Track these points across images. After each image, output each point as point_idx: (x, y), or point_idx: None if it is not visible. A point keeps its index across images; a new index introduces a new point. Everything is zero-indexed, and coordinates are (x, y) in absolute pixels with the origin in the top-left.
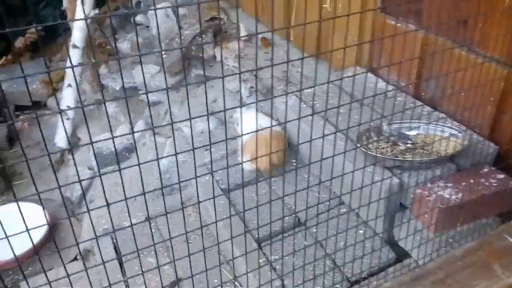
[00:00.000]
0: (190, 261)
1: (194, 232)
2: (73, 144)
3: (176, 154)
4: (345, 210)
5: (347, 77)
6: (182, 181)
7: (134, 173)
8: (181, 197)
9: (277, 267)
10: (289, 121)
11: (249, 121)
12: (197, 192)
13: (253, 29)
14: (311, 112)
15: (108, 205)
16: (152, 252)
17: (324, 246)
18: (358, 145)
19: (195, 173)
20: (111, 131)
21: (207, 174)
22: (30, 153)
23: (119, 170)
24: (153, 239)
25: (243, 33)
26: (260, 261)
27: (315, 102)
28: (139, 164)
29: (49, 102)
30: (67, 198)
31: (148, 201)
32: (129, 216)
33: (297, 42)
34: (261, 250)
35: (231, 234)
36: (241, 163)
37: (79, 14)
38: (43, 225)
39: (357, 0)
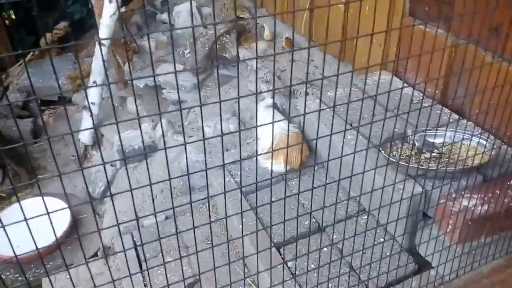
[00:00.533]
0: (214, 261)
1: (214, 233)
2: (96, 140)
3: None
4: (366, 217)
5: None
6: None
7: (155, 170)
8: (208, 195)
9: (293, 268)
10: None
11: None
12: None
13: (278, 29)
14: (333, 117)
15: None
16: (171, 252)
17: (343, 252)
18: (382, 152)
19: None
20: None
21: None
22: (54, 147)
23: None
24: (177, 239)
25: (267, 33)
26: (278, 265)
27: (339, 107)
28: (165, 160)
29: (74, 97)
30: (89, 194)
31: (168, 200)
32: (154, 211)
33: (320, 41)
34: (280, 254)
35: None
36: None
37: (106, 11)
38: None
39: (384, 2)
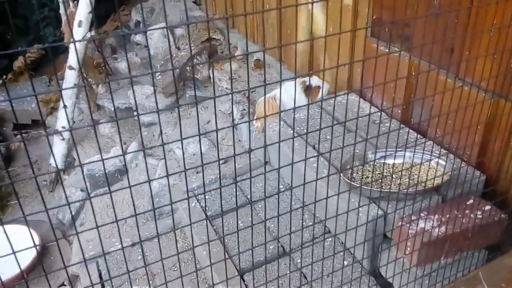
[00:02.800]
0: None
1: (181, 260)
2: (67, 165)
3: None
4: (329, 238)
5: (328, 98)
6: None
7: (126, 194)
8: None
9: None
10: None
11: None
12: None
13: (249, 49)
14: (295, 137)
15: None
16: (137, 280)
17: (306, 275)
18: (341, 175)
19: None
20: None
21: (191, 197)
22: (26, 172)
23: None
24: (146, 269)
25: (239, 53)
26: None
27: (301, 127)
28: (129, 186)
29: (47, 121)
30: (59, 220)
31: (138, 225)
32: (120, 238)
33: (290, 64)
34: (243, 281)
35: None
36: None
37: (75, 35)
38: (30, 247)
39: (347, 24)
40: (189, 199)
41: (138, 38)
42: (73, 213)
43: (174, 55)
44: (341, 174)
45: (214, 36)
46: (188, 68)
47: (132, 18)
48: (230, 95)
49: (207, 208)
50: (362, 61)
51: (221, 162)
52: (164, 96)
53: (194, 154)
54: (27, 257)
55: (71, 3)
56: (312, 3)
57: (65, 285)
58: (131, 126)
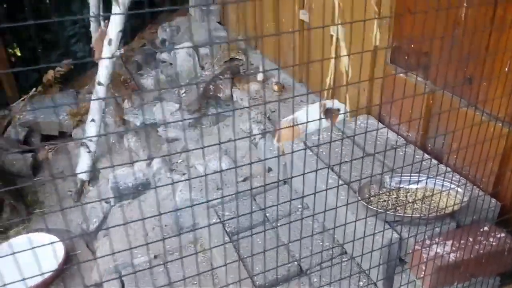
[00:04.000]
0: None
1: (198, 273)
2: (92, 176)
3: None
4: (346, 260)
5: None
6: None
7: (148, 207)
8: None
9: None
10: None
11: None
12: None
13: (271, 71)
14: (315, 159)
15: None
16: None
17: None
18: (359, 198)
19: None
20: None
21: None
22: (52, 182)
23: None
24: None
25: (261, 75)
26: None
27: (321, 150)
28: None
29: (74, 133)
30: (84, 230)
31: (159, 238)
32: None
33: (312, 87)
34: None
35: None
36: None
37: (105, 53)
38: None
39: (368, 54)
40: (210, 213)
41: (164, 56)
42: (98, 222)
43: (199, 74)
44: (359, 198)
45: (237, 57)
46: (211, 86)
47: (158, 36)
48: (252, 114)
49: (227, 224)
50: (381, 82)
51: (240, 179)
52: (188, 113)
53: (215, 171)
54: (52, 266)
55: (102, 22)
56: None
57: None
58: (155, 141)
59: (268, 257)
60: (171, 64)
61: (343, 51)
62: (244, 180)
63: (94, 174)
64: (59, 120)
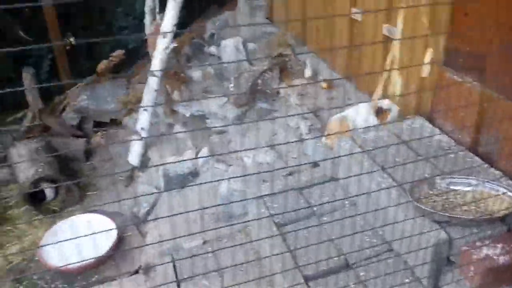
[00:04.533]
0: None
1: (246, 261)
2: (143, 163)
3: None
4: (393, 257)
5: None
6: None
7: (196, 195)
8: None
9: None
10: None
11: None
12: None
13: (318, 67)
14: (365, 157)
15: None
16: (207, 275)
17: None
18: (411, 198)
19: None
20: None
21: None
22: (103, 166)
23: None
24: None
25: (308, 71)
26: None
27: (369, 148)
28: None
29: (124, 121)
30: (134, 214)
31: (207, 225)
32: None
33: (360, 84)
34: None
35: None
36: None
37: (159, 45)
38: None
39: (420, 52)
40: (259, 204)
41: (212, 49)
42: (148, 207)
43: (248, 68)
44: (411, 197)
45: (284, 52)
46: (259, 81)
47: (206, 30)
48: (299, 110)
49: (275, 215)
50: (434, 89)
51: (286, 173)
52: (235, 107)
53: (260, 163)
54: (106, 245)
55: (157, 16)
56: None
57: (138, 273)
58: (203, 132)
59: (316, 250)
60: (219, 57)
61: (396, 52)
62: (289, 174)
63: (144, 161)
64: (111, 108)
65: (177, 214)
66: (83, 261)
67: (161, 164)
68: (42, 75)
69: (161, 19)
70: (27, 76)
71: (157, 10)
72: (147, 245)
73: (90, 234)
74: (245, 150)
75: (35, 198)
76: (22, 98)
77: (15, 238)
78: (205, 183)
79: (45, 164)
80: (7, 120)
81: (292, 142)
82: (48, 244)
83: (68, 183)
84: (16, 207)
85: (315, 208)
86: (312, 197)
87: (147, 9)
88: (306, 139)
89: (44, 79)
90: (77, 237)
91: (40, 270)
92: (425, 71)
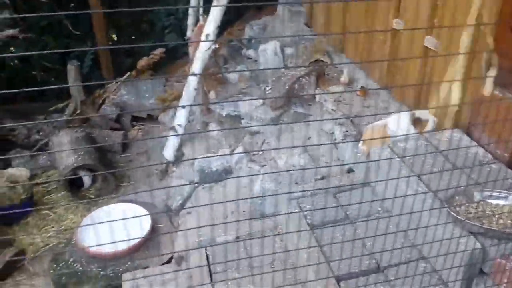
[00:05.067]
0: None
1: (278, 259)
2: (178, 158)
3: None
4: (424, 264)
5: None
6: None
7: (228, 193)
8: None
9: None
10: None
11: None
12: None
13: (355, 75)
14: (402, 165)
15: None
16: (240, 268)
17: None
18: (446, 206)
19: None
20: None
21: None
22: (138, 159)
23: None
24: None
25: (345, 78)
26: None
27: (406, 157)
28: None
29: (160, 117)
30: (167, 206)
31: (240, 223)
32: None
33: (396, 93)
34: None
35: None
36: None
37: (201, 46)
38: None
39: (461, 67)
40: (291, 205)
41: (250, 52)
42: (182, 200)
43: (285, 73)
44: (447, 207)
45: (321, 59)
46: (296, 86)
47: (245, 33)
48: (334, 116)
49: (308, 216)
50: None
51: (319, 177)
52: (271, 109)
53: (293, 166)
54: (140, 234)
55: (201, 17)
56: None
57: (170, 262)
58: (237, 132)
59: (348, 252)
60: (256, 61)
61: (439, 64)
62: (322, 178)
63: (178, 156)
64: (148, 104)
65: (212, 204)
66: (125, 242)
67: (195, 158)
68: (85, 68)
69: (204, 20)
70: (72, 69)
71: (201, 12)
72: (184, 230)
73: (126, 218)
74: (280, 148)
75: (73, 185)
76: (65, 89)
77: (53, 221)
78: (240, 177)
79: (85, 153)
80: (49, 109)
81: (327, 144)
82: (85, 225)
83: (107, 171)
84: (55, 193)
85: (348, 212)
86: (346, 201)
87: (190, 10)
88: (343, 141)
89: (86, 73)
90: (113, 220)
91: (76, 254)
92: (488, 88)
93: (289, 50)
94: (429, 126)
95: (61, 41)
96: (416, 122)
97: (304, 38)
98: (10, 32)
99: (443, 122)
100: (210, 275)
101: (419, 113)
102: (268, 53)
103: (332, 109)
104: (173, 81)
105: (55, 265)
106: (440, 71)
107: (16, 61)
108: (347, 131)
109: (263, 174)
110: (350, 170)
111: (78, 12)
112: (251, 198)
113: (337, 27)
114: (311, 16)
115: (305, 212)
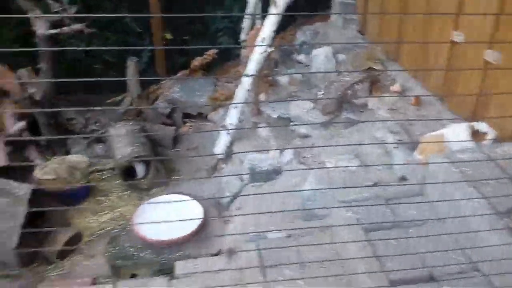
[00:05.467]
0: None
1: (327, 258)
2: (228, 156)
3: None
4: (478, 276)
5: None
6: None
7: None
8: None
9: None
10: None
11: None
12: None
13: (408, 84)
14: (459, 177)
15: None
16: (290, 266)
17: None
18: (506, 218)
19: None
20: None
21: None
22: (188, 155)
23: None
24: None
25: (398, 87)
26: None
27: (465, 169)
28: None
29: (210, 115)
30: (217, 201)
31: (286, 219)
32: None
33: (452, 104)
34: None
35: None
36: None
37: (257, 49)
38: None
39: None
40: (342, 208)
41: (301, 57)
42: (230, 197)
43: (338, 78)
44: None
45: (374, 66)
46: (349, 92)
47: (297, 38)
48: (387, 123)
49: (362, 221)
50: None
51: (371, 183)
52: (322, 114)
53: (344, 171)
54: (192, 225)
55: (258, 22)
56: None
57: (219, 255)
58: (286, 134)
59: (401, 258)
60: (307, 65)
61: (499, 77)
62: (373, 184)
63: (228, 154)
64: (199, 102)
65: (262, 201)
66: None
67: (244, 152)
68: (141, 65)
69: (261, 24)
70: (131, 64)
71: (259, 16)
72: (236, 223)
73: (180, 210)
74: (332, 145)
75: (126, 175)
76: (122, 83)
77: (107, 208)
78: (295, 170)
79: (140, 145)
80: (106, 102)
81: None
82: (142, 212)
83: (160, 158)
84: (109, 181)
85: (402, 220)
86: (399, 209)
87: (248, 14)
88: (395, 142)
89: (141, 69)
90: (168, 210)
91: (131, 239)
92: None
93: (341, 56)
94: (488, 139)
95: (121, 37)
96: (475, 134)
97: (357, 45)
98: (78, 26)
99: (503, 135)
100: (262, 270)
101: (478, 125)
102: (320, 58)
103: (385, 117)
104: (223, 82)
105: (111, 248)
106: (501, 84)
107: (79, 54)
108: (400, 139)
109: (313, 173)
110: (403, 178)
111: (143, 16)
112: (301, 194)
113: (392, 36)
114: (365, 24)
115: (358, 216)
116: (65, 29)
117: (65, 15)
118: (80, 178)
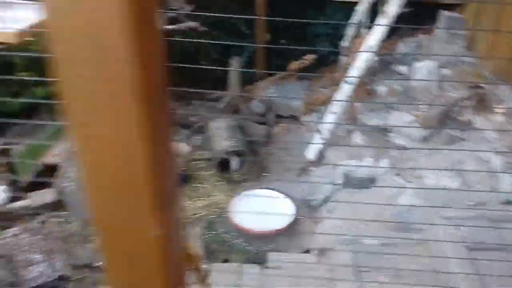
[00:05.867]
0: None
1: (424, 272)
2: (320, 159)
3: None
4: None
5: None
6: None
7: (372, 200)
8: None
9: None
10: None
11: None
12: None
13: None
14: None
15: None
16: (385, 273)
17: None
18: None
19: None
20: None
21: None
22: (278, 153)
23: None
24: None
25: (503, 109)
26: None
27: None
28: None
29: (302, 118)
30: (307, 201)
31: (382, 230)
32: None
33: None
34: None
35: None
36: None
37: (362, 56)
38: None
39: None
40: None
41: (401, 68)
42: (322, 200)
43: (442, 93)
44: None
45: (480, 85)
46: (454, 108)
47: (398, 48)
48: (494, 144)
49: (464, 238)
50: None
51: (471, 203)
52: (423, 127)
53: (443, 188)
54: (285, 220)
55: (364, 30)
56: None
57: (308, 253)
58: (381, 144)
59: (503, 280)
60: (407, 77)
61: None
62: (475, 205)
63: (319, 158)
64: (293, 105)
65: (358, 207)
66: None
67: (337, 158)
68: (242, 64)
69: (368, 33)
70: (235, 64)
71: (366, 24)
72: (328, 225)
73: (275, 204)
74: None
75: (222, 167)
76: (221, 80)
77: (202, 195)
78: (389, 187)
79: (237, 140)
80: (208, 97)
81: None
82: (239, 202)
83: (255, 151)
84: (205, 170)
85: (507, 243)
86: (505, 231)
87: (354, 22)
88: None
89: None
90: (264, 203)
91: (226, 226)
92: None
93: (444, 71)
94: None
95: (227, 37)
96: None
97: (463, 61)
98: (192, 24)
99: None
100: (355, 272)
101: None
102: (423, 71)
103: (493, 137)
104: (318, 86)
105: (207, 232)
106: None
107: (189, 50)
108: (508, 162)
109: (414, 188)
110: (509, 202)
111: (250, 17)
112: (402, 206)
113: (504, 55)
114: (473, 40)
115: (461, 233)
116: (181, 25)
117: (182, 12)
118: (182, 165)
